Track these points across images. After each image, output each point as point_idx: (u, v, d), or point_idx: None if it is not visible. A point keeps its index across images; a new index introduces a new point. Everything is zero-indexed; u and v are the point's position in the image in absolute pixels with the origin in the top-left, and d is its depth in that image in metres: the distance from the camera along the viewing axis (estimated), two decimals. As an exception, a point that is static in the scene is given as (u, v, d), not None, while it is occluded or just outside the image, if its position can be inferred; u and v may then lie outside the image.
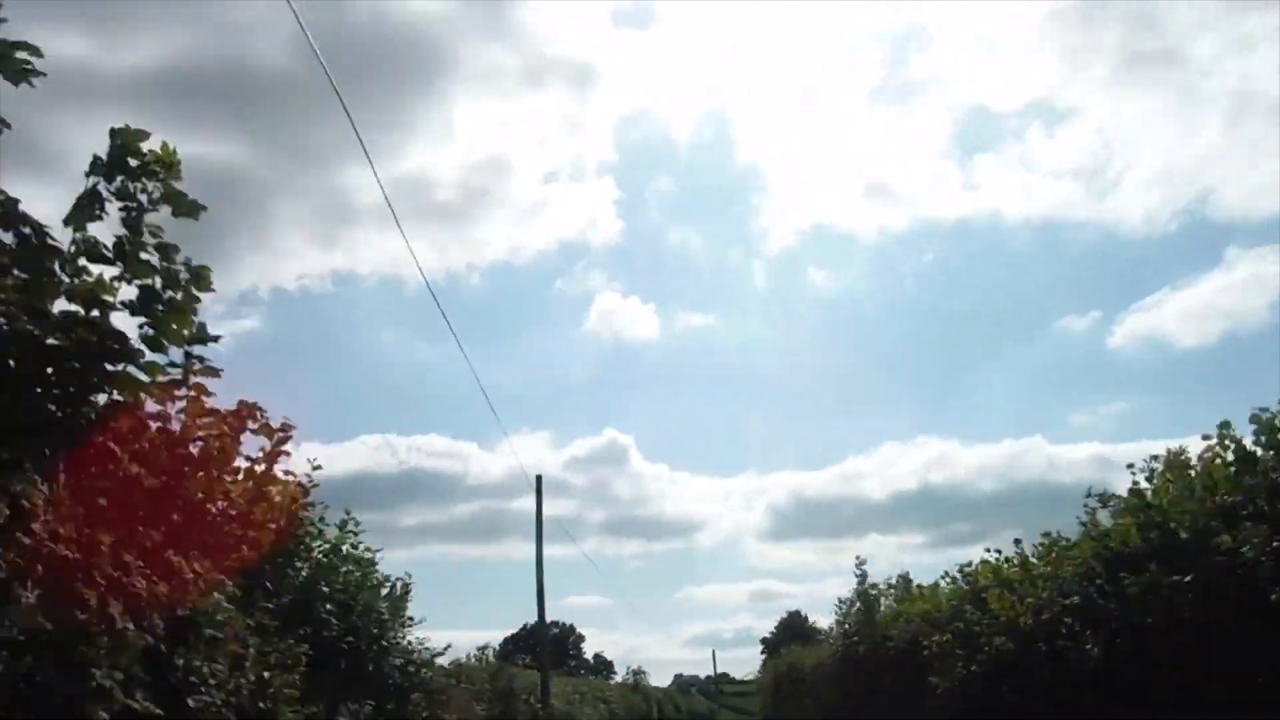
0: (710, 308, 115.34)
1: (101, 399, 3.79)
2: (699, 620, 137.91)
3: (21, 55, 3.50)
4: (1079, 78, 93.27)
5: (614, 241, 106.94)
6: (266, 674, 5.70)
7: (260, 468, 5.33)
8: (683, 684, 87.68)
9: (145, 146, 3.92)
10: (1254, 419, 6.89)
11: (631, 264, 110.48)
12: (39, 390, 3.59)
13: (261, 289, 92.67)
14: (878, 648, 15.55)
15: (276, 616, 6.43)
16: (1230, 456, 7.16)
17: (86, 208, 3.72)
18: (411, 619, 11.87)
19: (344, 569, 9.55)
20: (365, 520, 10.13)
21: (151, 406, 4.13)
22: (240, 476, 5.18)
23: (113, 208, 3.81)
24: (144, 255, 3.88)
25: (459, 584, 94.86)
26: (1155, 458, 8.13)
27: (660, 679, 66.86)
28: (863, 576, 18.34)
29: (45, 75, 3.55)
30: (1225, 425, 7.26)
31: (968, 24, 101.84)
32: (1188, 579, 6.93)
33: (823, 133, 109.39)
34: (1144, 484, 8.13)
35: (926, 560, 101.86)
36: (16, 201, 3.48)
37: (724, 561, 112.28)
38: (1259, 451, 6.92)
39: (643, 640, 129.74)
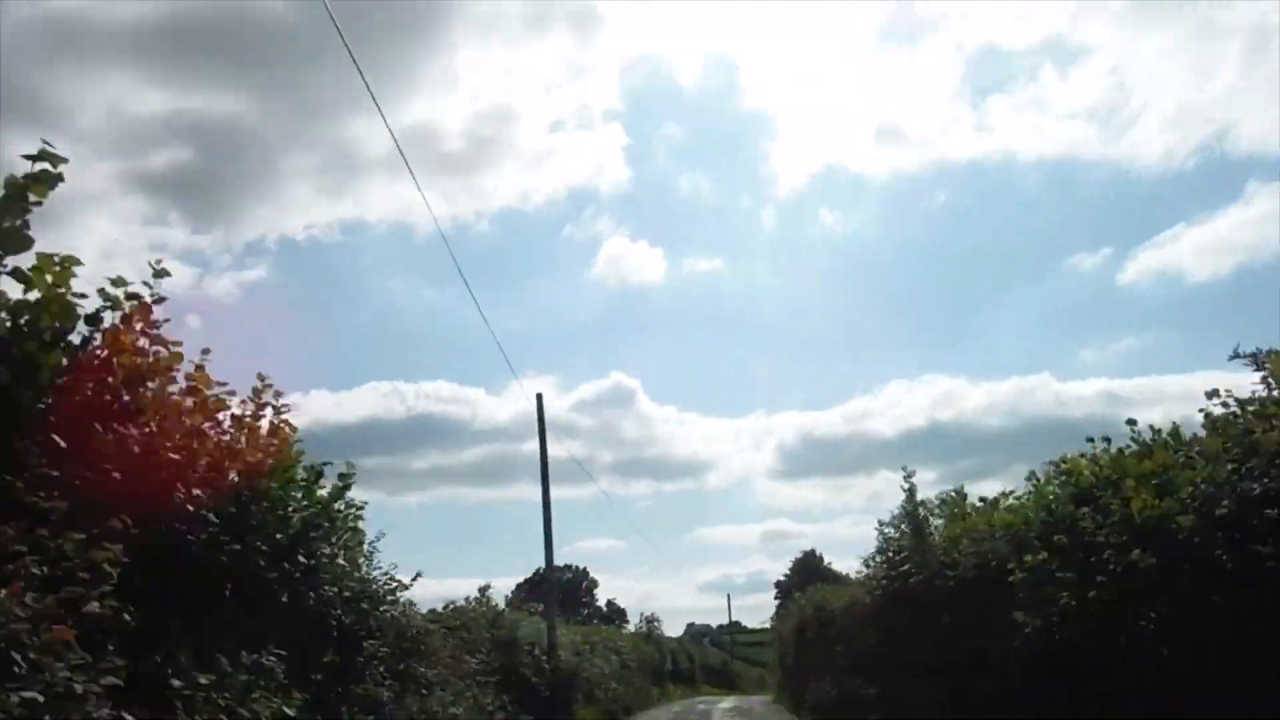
0: (719, 251, 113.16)
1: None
2: (711, 564, 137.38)
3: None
4: (1092, 15, 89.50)
5: (622, 188, 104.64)
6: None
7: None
8: (695, 634, 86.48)
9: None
10: None
11: (640, 209, 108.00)
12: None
13: (269, 239, 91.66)
14: (934, 578, 13.17)
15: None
16: None
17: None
18: (374, 548, 9.54)
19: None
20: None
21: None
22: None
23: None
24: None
25: (471, 528, 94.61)
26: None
27: (673, 628, 65.45)
28: (910, 492, 15.91)
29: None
30: None
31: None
32: None
33: (831, 75, 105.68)
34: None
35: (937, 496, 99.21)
36: None
37: (735, 501, 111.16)
38: None
39: (655, 586, 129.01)
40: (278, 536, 6.85)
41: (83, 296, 5.07)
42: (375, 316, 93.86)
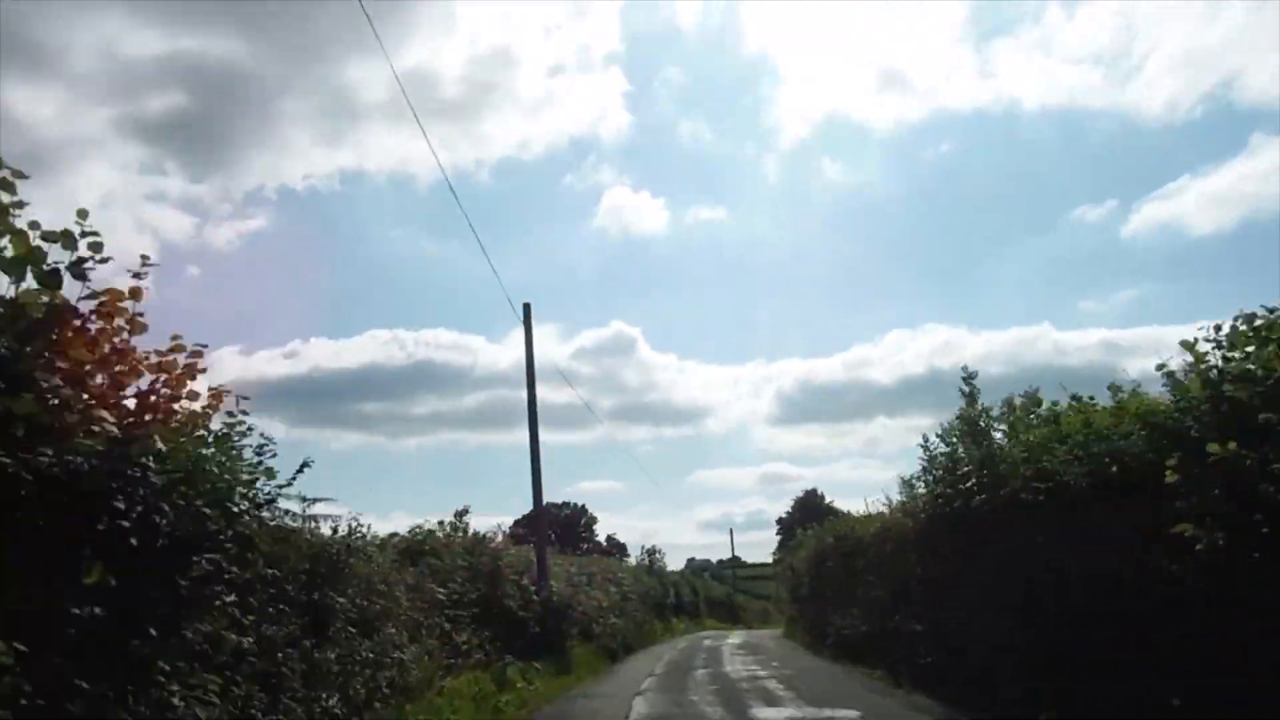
0: (720, 200, 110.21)
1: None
2: (710, 503, 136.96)
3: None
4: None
5: (623, 135, 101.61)
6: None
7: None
8: (695, 568, 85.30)
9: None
10: None
11: (641, 158, 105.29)
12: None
13: (269, 188, 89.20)
14: (1019, 492, 10.38)
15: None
16: None
17: None
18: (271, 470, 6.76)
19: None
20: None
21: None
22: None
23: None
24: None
25: (471, 471, 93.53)
26: None
27: (673, 563, 63.80)
28: (971, 394, 13.09)
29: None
30: None
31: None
32: None
33: (834, 17, 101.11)
34: None
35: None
36: None
37: (734, 446, 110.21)
38: None
39: (655, 525, 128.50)
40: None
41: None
42: (375, 266, 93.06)
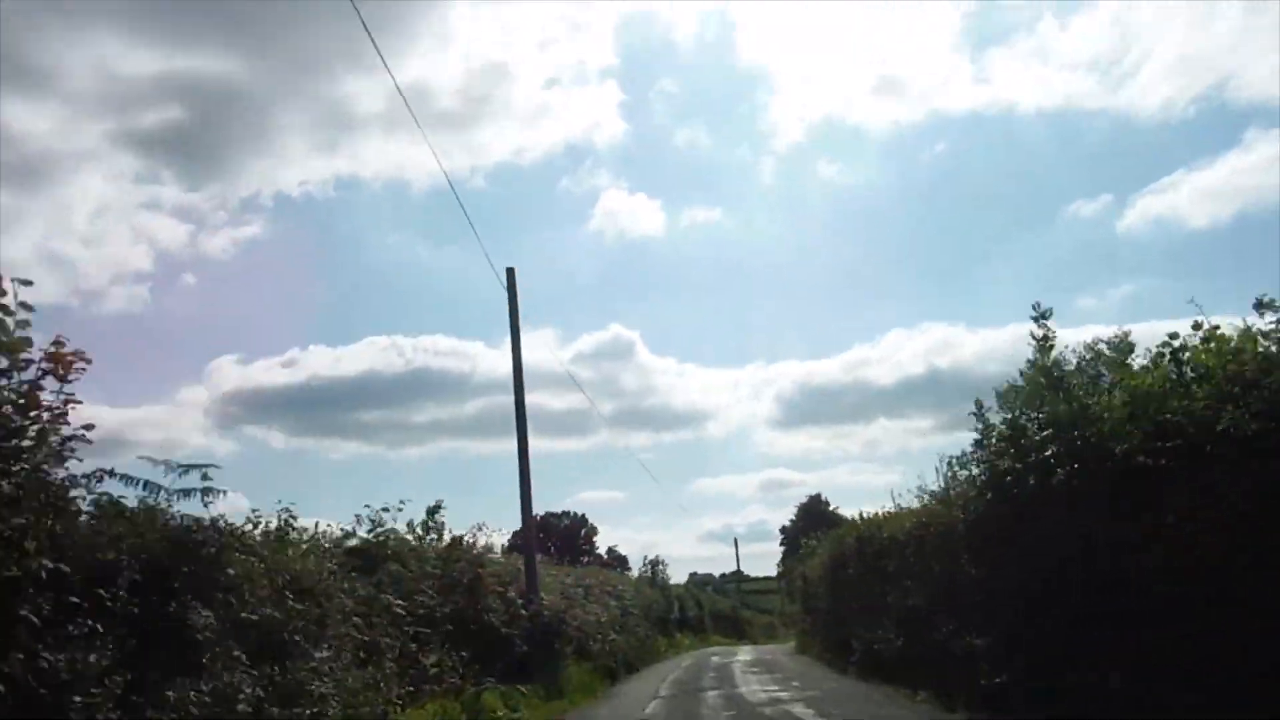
0: (717, 203, 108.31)
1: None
2: (711, 513, 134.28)
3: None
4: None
5: (619, 142, 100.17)
6: None
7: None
8: (698, 582, 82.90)
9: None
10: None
11: (637, 163, 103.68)
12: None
13: (264, 195, 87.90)
14: (1131, 453, 8.03)
15: None
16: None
17: None
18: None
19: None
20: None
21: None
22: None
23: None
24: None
25: (471, 480, 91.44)
26: None
27: (675, 577, 61.44)
28: (1044, 342, 10.77)
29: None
30: None
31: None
32: None
33: (829, 27, 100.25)
34: None
35: (937, 442, 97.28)
36: None
37: (734, 451, 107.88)
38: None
39: (656, 536, 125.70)
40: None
41: None
42: (372, 272, 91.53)
